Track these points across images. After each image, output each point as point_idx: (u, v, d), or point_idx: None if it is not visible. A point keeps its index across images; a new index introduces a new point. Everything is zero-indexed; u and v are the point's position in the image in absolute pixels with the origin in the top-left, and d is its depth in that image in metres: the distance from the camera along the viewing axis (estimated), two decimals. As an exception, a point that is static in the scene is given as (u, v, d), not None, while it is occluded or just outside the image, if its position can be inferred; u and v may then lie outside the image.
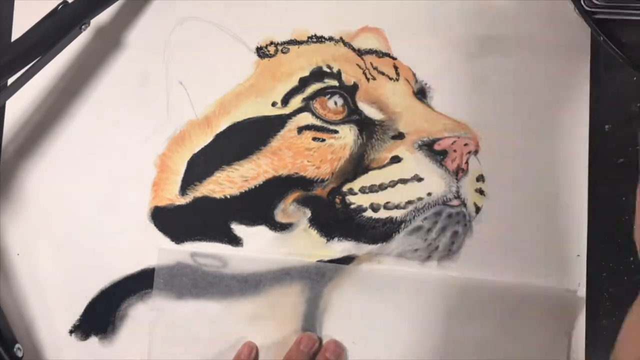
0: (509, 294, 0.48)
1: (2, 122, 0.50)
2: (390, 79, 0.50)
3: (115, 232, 0.49)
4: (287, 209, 0.49)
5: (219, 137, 0.49)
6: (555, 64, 0.49)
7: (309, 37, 0.50)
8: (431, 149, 0.49)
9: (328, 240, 0.49)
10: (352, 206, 0.49)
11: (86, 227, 0.49)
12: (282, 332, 0.49)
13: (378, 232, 0.49)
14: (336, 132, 0.49)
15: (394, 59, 0.50)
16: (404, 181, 0.48)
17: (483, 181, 0.49)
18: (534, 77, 0.50)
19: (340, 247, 0.49)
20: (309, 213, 0.49)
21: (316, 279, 0.49)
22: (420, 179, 0.48)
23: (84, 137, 0.50)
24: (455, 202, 0.48)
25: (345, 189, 0.49)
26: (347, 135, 0.49)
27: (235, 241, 0.49)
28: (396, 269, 0.48)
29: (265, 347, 0.48)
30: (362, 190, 0.48)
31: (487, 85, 0.49)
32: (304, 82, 0.50)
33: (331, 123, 0.49)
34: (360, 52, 0.50)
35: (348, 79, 0.50)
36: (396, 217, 0.48)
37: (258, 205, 0.49)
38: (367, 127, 0.49)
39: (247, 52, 0.50)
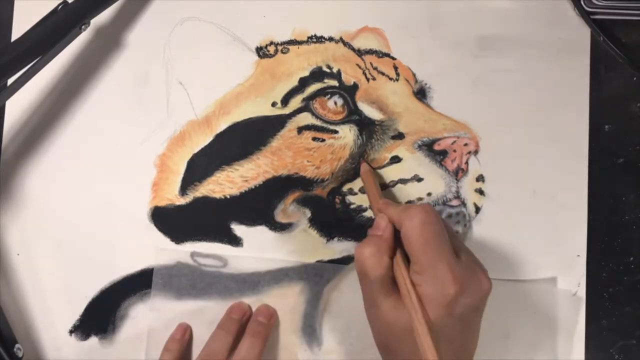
0: (509, 294, 0.48)
1: (2, 122, 0.50)
2: (390, 79, 0.50)
3: (115, 232, 0.49)
4: (287, 209, 0.49)
5: (219, 137, 0.49)
6: (555, 64, 0.49)
7: (308, 37, 0.50)
8: (431, 149, 0.49)
9: (328, 240, 0.49)
10: (352, 206, 0.49)
11: (86, 227, 0.49)
12: (281, 332, 0.49)
13: (378, 232, 0.48)
14: (336, 132, 0.49)
15: (394, 59, 0.50)
16: (403, 181, 0.48)
17: (483, 181, 0.49)
18: (534, 77, 0.50)
19: (340, 247, 0.49)
20: (308, 213, 0.49)
21: (315, 279, 0.48)
22: (420, 179, 0.48)
23: (84, 137, 0.50)
24: (455, 202, 0.48)
25: (345, 189, 0.49)
26: (347, 135, 0.49)
27: (235, 241, 0.49)
28: (396, 269, 0.48)
29: (265, 349, 0.48)
30: (362, 190, 0.48)
31: (487, 85, 0.49)
32: (303, 82, 0.50)
33: (331, 123, 0.49)
34: (360, 52, 0.50)
35: (348, 79, 0.50)
36: (396, 217, 0.48)
37: (258, 205, 0.49)
38: (367, 127, 0.49)
39: (247, 52, 0.50)
